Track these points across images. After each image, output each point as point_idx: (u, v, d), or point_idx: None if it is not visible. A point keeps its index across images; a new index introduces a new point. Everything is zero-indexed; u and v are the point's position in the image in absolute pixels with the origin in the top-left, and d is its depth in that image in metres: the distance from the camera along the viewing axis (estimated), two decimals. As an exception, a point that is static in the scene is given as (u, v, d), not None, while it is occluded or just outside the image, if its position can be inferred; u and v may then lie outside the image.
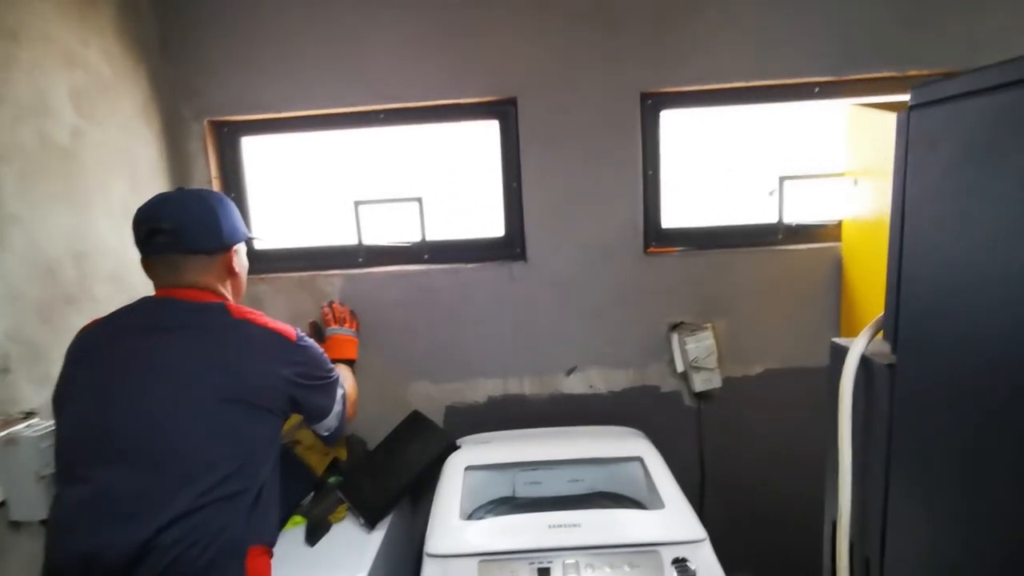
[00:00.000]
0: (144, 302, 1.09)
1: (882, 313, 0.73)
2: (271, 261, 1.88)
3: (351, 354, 1.66)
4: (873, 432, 0.73)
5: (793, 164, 1.83)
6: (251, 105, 1.76)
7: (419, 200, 1.82)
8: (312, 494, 1.65)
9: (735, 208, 1.87)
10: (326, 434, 1.26)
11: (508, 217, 1.85)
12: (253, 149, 1.86)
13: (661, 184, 1.82)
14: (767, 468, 1.87)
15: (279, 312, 1.82)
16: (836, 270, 1.78)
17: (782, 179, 1.80)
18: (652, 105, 1.78)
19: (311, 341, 1.16)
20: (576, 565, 1.21)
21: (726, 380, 1.81)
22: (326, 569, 1.38)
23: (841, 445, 0.75)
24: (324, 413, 1.21)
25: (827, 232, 1.82)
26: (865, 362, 0.75)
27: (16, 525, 1.17)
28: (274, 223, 1.89)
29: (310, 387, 1.14)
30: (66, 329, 1.32)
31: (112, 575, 0.88)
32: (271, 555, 1.07)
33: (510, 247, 1.84)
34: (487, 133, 1.83)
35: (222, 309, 1.07)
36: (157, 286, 1.10)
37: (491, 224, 1.87)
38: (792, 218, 1.82)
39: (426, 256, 1.85)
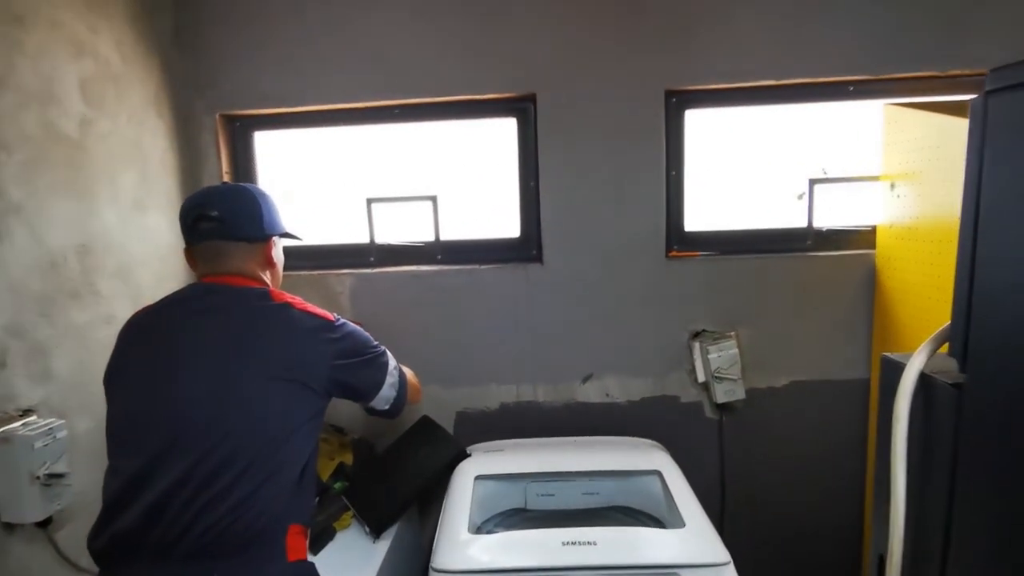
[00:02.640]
0: (193, 288, 1.10)
1: (945, 325, 0.65)
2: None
3: None
4: (933, 459, 0.66)
5: (824, 166, 1.74)
6: (264, 99, 1.72)
7: (433, 199, 1.77)
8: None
9: (762, 212, 1.79)
10: (386, 407, 1.23)
11: (524, 217, 1.78)
12: (265, 144, 1.82)
13: (685, 185, 1.75)
14: (793, 486, 1.78)
15: (288, 311, 1.77)
16: (869, 278, 1.69)
17: (812, 182, 1.72)
18: (677, 103, 1.71)
19: (350, 322, 1.17)
20: (590, 586, 1.14)
21: (750, 391, 1.72)
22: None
23: (895, 472, 0.67)
24: (377, 385, 1.19)
25: (860, 238, 1.73)
26: (925, 380, 0.67)
27: (9, 527, 1.13)
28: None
29: (356, 363, 1.14)
30: (67, 324, 1.28)
31: (160, 548, 0.91)
32: (307, 535, 1.05)
33: (526, 248, 1.78)
34: (504, 130, 1.78)
35: (265, 294, 1.09)
36: (200, 275, 1.12)
37: (507, 225, 1.80)
38: (823, 223, 1.74)
39: (439, 256, 1.79)
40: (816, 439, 1.76)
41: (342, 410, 1.77)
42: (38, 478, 1.11)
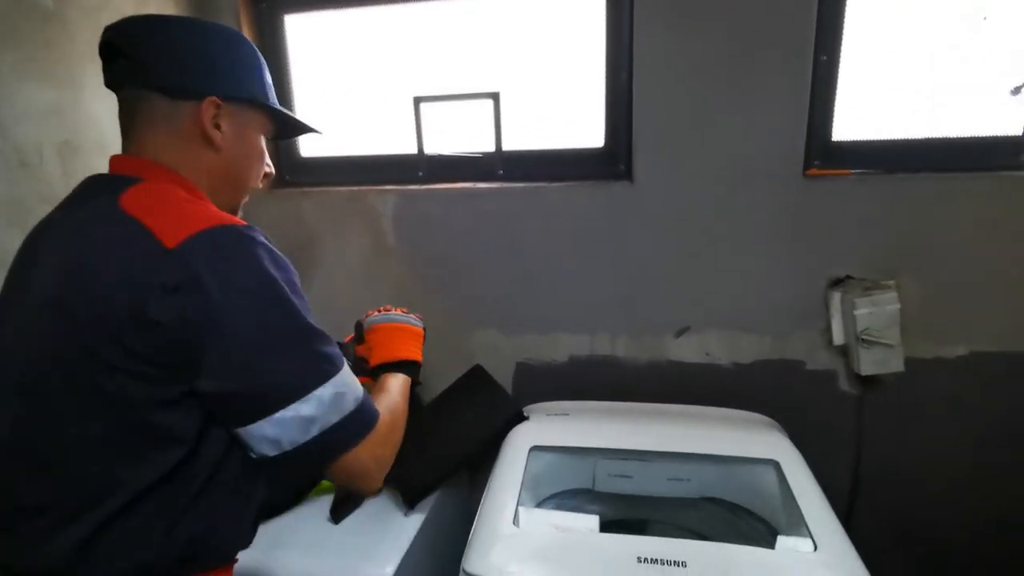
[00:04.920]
0: (83, 183, 0.74)
1: None
2: (315, 172, 1.56)
3: (407, 351, 0.95)
4: None
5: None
6: (294, -28, 1.40)
7: (495, 96, 1.39)
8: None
9: (950, 114, 1.27)
10: (288, 451, 0.66)
11: (611, 123, 1.38)
12: (298, 32, 1.52)
13: (839, 76, 1.26)
14: (955, 491, 1.34)
15: (324, 236, 1.51)
16: (1114, 211, 1.16)
17: (1041, 67, 1.18)
18: (837, -46, 1.20)
19: (247, 248, 0.65)
20: (676, 624, 0.81)
21: (909, 362, 1.27)
22: (348, 555, 1.09)
23: None
24: (277, 399, 0.64)
25: (1106, 152, 1.18)
26: None
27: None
28: (321, 126, 1.55)
29: (224, 335, 0.62)
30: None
31: None
32: (231, 570, 0.76)
33: (612, 163, 1.38)
34: (588, 5, 1.35)
35: (113, 203, 0.65)
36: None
37: (588, 132, 1.41)
38: (1050, 129, 1.20)
39: (501, 171, 1.44)
40: (999, 434, 1.29)
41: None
42: None
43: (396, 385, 0.89)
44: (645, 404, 1.37)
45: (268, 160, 0.84)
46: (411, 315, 1.01)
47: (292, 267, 0.71)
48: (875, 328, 1.22)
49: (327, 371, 0.68)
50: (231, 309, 0.62)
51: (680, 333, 1.40)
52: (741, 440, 1.20)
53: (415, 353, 0.97)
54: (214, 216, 0.66)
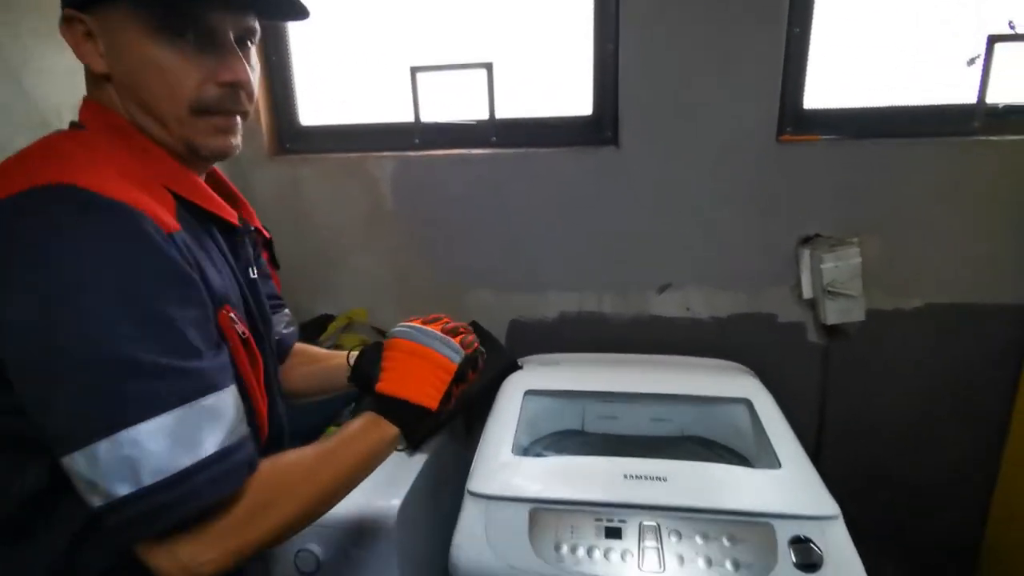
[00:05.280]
0: None
1: None
2: (315, 140, 1.62)
3: (415, 390, 0.71)
4: None
5: (1012, 17, 1.29)
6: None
7: (488, 66, 1.47)
8: (353, 404, 1.45)
9: (913, 83, 1.37)
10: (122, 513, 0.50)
11: (599, 91, 1.46)
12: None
13: (810, 46, 1.35)
14: (912, 431, 1.47)
15: (323, 202, 1.57)
16: (1056, 172, 1.27)
17: (992, 40, 1.28)
18: (809, -69, 1.29)
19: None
20: (656, 529, 0.92)
21: (870, 314, 1.39)
22: (357, 490, 1.17)
23: None
24: (55, 437, 0.51)
25: (1050, 118, 1.29)
26: None
27: None
28: (319, 94, 1.61)
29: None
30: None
31: None
32: None
33: (599, 129, 1.47)
34: (578, -22, 1.43)
35: None
36: None
37: (577, 101, 1.49)
38: (1000, 97, 1.31)
39: (494, 138, 1.52)
40: (951, 378, 1.42)
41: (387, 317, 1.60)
42: None
43: (360, 438, 0.67)
44: (630, 355, 1.47)
45: (230, 63, 0.62)
46: (453, 338, 0.75)
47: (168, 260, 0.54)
48: (839, 280, 1.33)
49: (111, 419, 0.48)
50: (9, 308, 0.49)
51: (662, 290, 1.50)
52: (717, 383, 1.30)
53: (427, 396, 0.70)
54: (53, 174, 0.52)
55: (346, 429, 0.68)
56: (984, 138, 1.30)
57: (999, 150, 1.30)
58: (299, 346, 0.96)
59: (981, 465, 1.45)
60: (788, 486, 0.98)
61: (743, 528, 0.91)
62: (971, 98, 1.32)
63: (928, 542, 1.52)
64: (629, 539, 0.91)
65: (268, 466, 0.60)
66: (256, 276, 0.76)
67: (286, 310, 0.94)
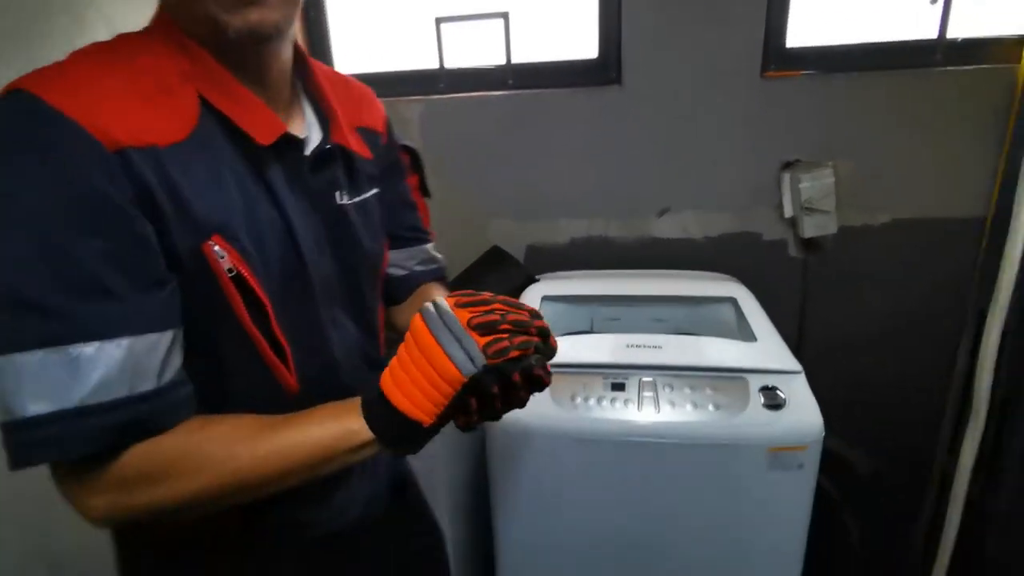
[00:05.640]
0: None
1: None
2: (353, 87, 1.81)
3: (405, 396, 0.55)
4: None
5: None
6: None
7: (504, 16, 1.65)
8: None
9: (884, 22, 1.54)
10: None
11: (604, 35, 1.64)
12: (332, -38, 1.75)
13: (791, -10, 1.52)
14: (881, 334, 1.67)
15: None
16: (1006, 99, 1.44)
17: (952, -21, 1.44)
18: None
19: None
20: (653, 384, 1.14)
21: (843, 230, 1.58)
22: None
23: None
24: None
25: (1003, 50, 1.46)
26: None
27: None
28: (353, 44, 1.80)
29: None
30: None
31: None
32: None
33: (604, 71, 1.65)
34: (584, -67, 1.59)
35: None
36: None
37: (584, 45, 1.67)
38: (959, 32, 1.48)
39: (511, 81, 1.70)
40: (913, 285, 1.61)
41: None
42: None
43: (322, 427, 0.56)
44: (633, 270, 1.68)
45: None
46: (481, 337, 0.53)
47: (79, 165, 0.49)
48: (815, 198, 1.53)
49: (11, 338, 0.48)
50: None
51: (661, 214, 1.70)
52: (707, 288, 1.51)
53: (419, 406, 0.54)
54: (24, 79, 0.51)
55: (318, 409, 0.58)
56: (945, 69, 1.48)
57: (959, 80, 1.47)
58: (429, 286, 0.88)
59: (941, 366, 1.66)
60: (760, 352, 1.20)
61: (723, 381, 1.13)
62: (934, 33, 1.49)
63: (892, 435, 1.74)
64: (631, 391, 1.13)
65: (195, 426, 0.56)
66: (348, 202, 0.70)
67: (427, 245, 0.90)
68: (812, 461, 1.09)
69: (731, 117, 1.58)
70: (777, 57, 1.56)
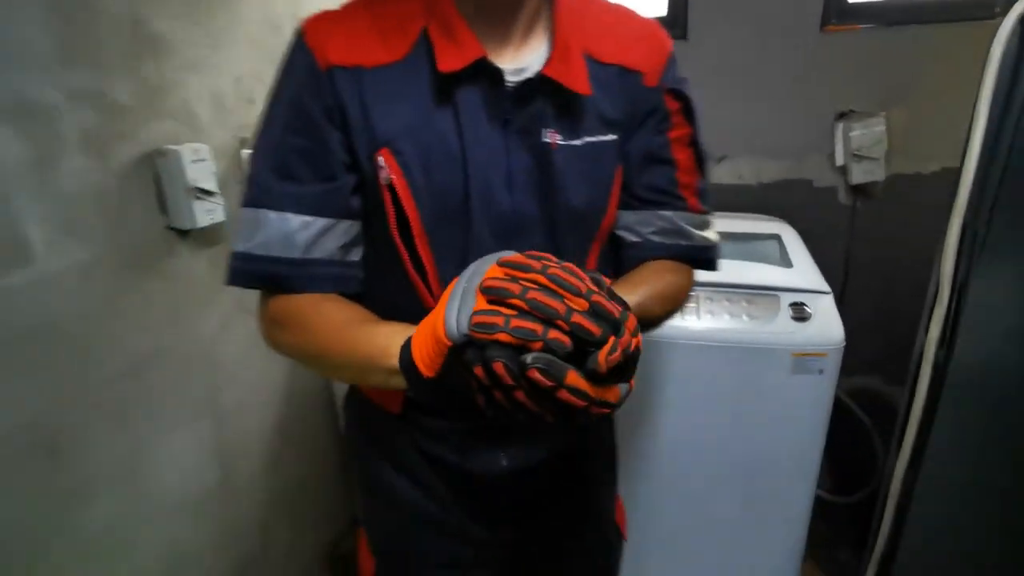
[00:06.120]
0: None
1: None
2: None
3: (417, 344, 0.53)
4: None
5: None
6: None
7: (583, -24, 1.81)
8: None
9: (946, -24, 1.61)
10: None
11: (673, -6, 1.79)
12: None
13: (855, -54, 1.62)
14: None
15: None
16: (1066, 50, 1.50)
17: (1018, -67, 1.49)
18: None
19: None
20: (696, 297, 1.34)
21: (893, 177, 1.69)
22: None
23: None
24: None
25: (1066, 2, 1.50)
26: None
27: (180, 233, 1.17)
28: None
29: None
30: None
31: None
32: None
33: (672, 26, 1.80)
34: None
35: None
36: None
37: (655, 4, 1.83)
38: (1020, -16, 1.53)
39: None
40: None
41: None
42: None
43: (371, 343, 0.58)
44: (689, 211, 1.85)
45: None
46: (490, 304, 0.46)
47: (298, 67, 0.64)
48: (865, 146, 1.64)
49: (245, 196, 0.66)
50: None
51: (719, 161, 1.86)
52: (755, 227, 1.68)
53: (421, 356, 0.52)
54: None
55: (398, 325, 0.59)
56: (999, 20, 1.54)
57: (1018, 32, 1.53)
58: (664, 266, 0.76)
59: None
60: (795, 275, 1.38)
61: (757, 297, 1.33)
62: (996, -13, 1.55)
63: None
64: (690, 304, 1.33)
65: (320, 299, 0.66)
66: (561, 142, 0.66)
67: (673, 212, 0.74)
68: (832, 369, 1.27)
69: (790, 70, 1.71)
70: (838, 11, 1.67)
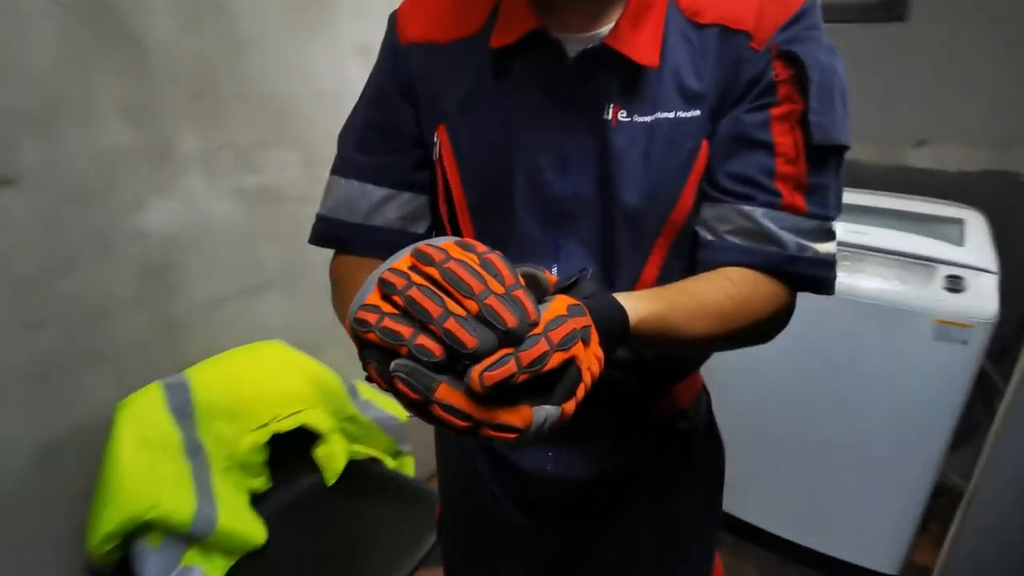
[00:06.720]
0: None
1: None
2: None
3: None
4: None
5: None
6: None
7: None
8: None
9: None
10: None
11: (900, -24, 1.82)
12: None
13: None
14: None
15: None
16: None
17: None
18: None
19: None
20: (853, 257, 1.49)
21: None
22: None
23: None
24: None
25: None
26: None
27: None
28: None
29: None
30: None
31: None
32: None
33: (891, 9, 1.85)
34: None
35: None
36: None
37: (879, -14, 1.88)
38: None
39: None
40: None
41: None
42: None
43: None
44: (877, 192, 1.90)
45: None
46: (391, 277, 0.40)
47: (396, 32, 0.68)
48: (1089, 143, 1.57)
49: (332, 165, 0.71)
50: None
51: (919, 144, 1.88)
52: (942, 210, 1.71)
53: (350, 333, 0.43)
54: None
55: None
56: None
57: None
58: (742, 274, 0.59)
59: None
60: (959, 252, 1.45)
61: (912, 265, 1.44)
62: None
63: None
64: (844, 262, 1.49)
65: (360, 264, 0.66)
66: (625, 119, 0.59)
67: (751, 208, 0.58)
68: (977, 343, 1.32)
69: (1007, 56, 1.67)
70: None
